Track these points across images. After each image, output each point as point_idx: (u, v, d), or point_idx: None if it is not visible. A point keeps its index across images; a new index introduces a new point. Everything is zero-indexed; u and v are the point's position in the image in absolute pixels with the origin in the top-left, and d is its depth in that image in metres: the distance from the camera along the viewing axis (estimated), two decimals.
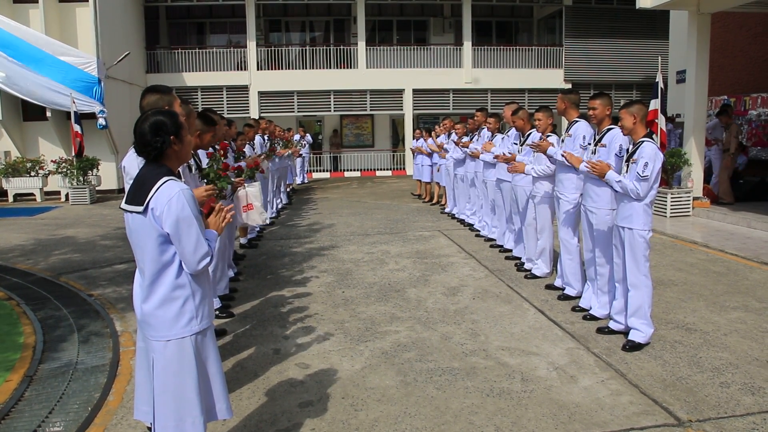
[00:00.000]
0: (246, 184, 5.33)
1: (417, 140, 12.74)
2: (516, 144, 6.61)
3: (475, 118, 8.17)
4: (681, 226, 8.70)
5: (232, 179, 4.85)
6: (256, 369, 3.94)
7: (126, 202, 2.37)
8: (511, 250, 6.98)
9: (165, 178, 2.30)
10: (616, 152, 4.46)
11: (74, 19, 14.86)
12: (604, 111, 4.68)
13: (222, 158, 4.20)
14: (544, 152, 5.29)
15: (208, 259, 2.33)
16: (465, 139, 8.51)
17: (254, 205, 5.40)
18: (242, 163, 5.96)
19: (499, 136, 7.29)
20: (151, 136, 2.32)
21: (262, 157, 8.20)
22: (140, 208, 2.28)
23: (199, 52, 19.05)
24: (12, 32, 13.24)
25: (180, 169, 2.97)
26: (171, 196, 2.25)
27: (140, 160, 2.73)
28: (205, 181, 3.82)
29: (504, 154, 6.54)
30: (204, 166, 4.04)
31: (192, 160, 3.90)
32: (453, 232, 8.69)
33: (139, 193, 2.31)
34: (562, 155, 4.93)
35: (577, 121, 5.20)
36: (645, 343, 4.15)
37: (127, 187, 2.90)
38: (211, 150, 4.18)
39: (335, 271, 6.53)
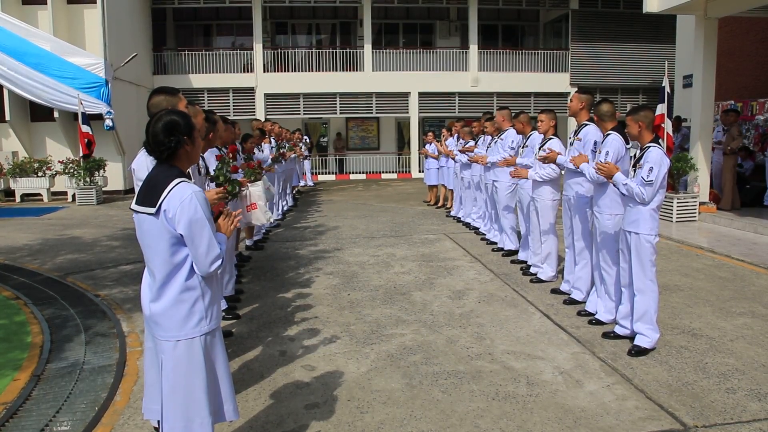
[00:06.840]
0: (249, 184, 5.34)
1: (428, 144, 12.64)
2: (512, 149, 6.85)
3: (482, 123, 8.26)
4: (687, 231, 8.68)
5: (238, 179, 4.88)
6: (262, 370, 3.96)
7: (137, 203, 2.37)
8: (513, 252, 7.00)
9: (177, 180, 2.30)
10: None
11: (82, 20, 14.95)
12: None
13: (231, 161, 4.22)
14: (554, 162, 5.30)
15: (219, 262, 2.34)
16: (471, 143, 8.68)
17: (258, 204, 5.40)
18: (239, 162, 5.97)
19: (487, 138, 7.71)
20: (164, 135, 2.32)
21: (270, 160, 8.25)
22: (152, 210, 2.28)
23: (206, 54, 19.14)
24: (20, 34, 13.34)
25: (189, 170, 2.99)
26: (184, 198, 2.26)
27: (150, 162, 2.75)
28: (215, 183, 3.85)
29: (506, 158, 6.66)
30: (212, 170, 4.08)
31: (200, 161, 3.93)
32: (458, 235, 8.69)
33: (150, 194, 2.31)
34: (570, 161, 4.98)
35: (586, 125, 5.13)
36: (651, 348, 4.15)
37: (137, 190, 2.92)
38: (219, 154, 4.21)
39: (341, 273, 6.55)
